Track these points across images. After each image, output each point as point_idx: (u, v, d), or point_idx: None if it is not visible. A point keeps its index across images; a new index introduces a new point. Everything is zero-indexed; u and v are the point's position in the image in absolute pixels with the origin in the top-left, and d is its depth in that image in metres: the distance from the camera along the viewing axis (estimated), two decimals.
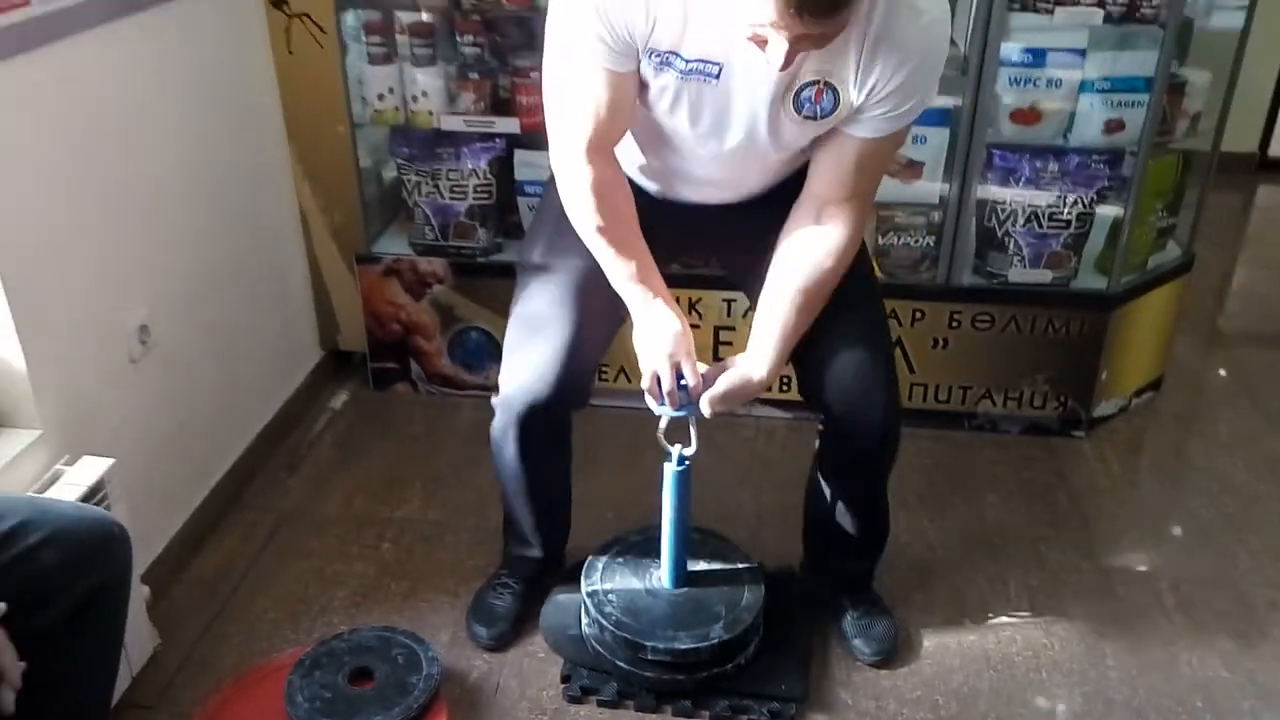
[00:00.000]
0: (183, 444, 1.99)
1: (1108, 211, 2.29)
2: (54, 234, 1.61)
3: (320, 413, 2.51)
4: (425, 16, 2.25)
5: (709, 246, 1.73)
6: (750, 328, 1.58)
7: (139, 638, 1.69)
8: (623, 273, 1.49)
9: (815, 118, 1.39)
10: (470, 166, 2.33)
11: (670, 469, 1.64)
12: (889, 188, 2.21)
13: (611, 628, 1.70)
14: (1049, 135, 2.19)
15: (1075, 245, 2.28)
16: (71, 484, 1.53)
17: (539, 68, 1.49)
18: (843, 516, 1.76)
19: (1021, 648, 1.85)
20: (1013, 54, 2.11)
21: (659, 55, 1.35)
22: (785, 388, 2.35)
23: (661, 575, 1.76)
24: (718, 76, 1.36)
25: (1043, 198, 2.22)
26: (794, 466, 1.80)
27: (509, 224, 2.44)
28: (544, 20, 1.43)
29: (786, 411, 2.42)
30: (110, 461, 1.58)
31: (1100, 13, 2.06)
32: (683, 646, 1.67)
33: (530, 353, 1.59)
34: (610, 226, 1.48)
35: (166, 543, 1.94)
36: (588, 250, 1.55)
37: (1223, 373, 2.79)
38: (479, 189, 2.35)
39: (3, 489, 1.42)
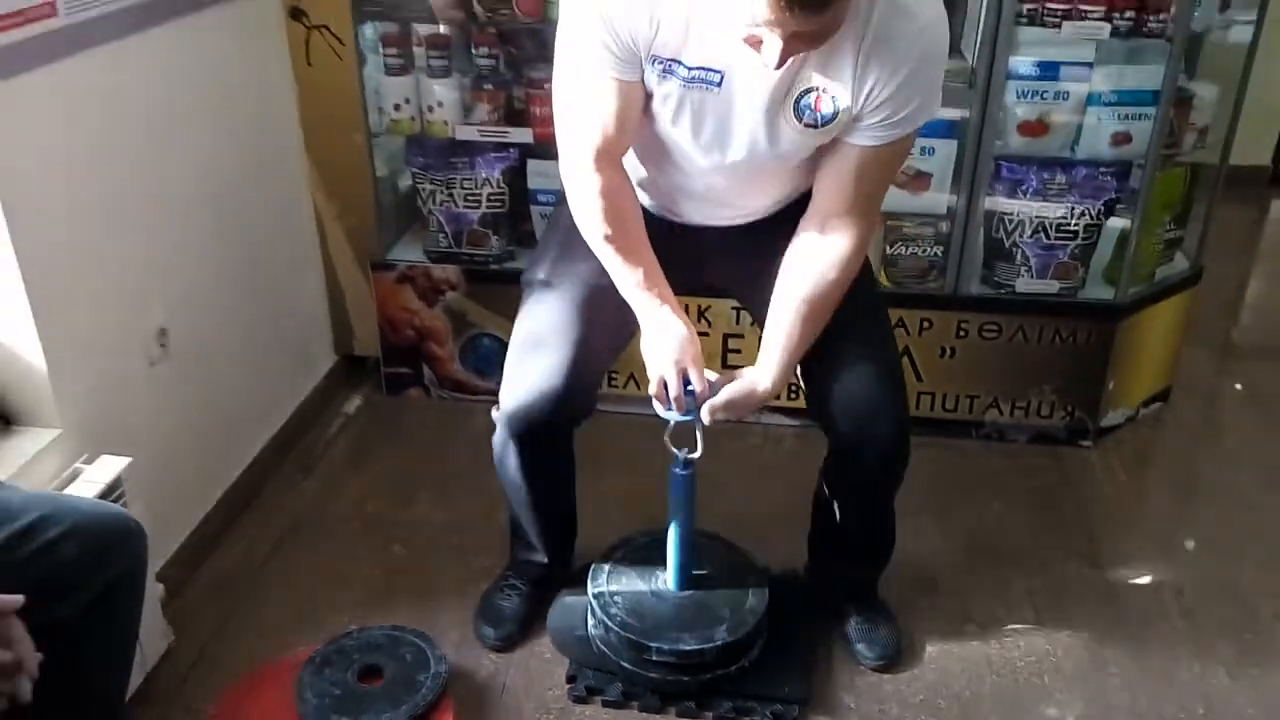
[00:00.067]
0: (199, 445, 2.03)
1: (1115, 223, 2.30)
2: (77, 238, 1.65)
3: (334, 416, 2.54)
4: (442, 29, 2.29)
5: (716, 273, 1.73)
6: (759, 339, 1.59)
7: (153, 635, 1.72)
8: (630, 280, 1.51)
9: (816, 125, 1.40)
10: (484, 176, 2.36)
11: (676, 472, 1.66)
12: (897, 198, 2.23)
13: (617, 629, 1.72)
14: (1056, 147, 2.21)
15: (1083, 256, 2.29)
16: (90, 482, 1.56)
17: (552, 79, 1.52)
18: (849, 529, 1.78)
19: (1024, 653, 1.86)
20: (1020, 67, 2.13)
21: (662, 63, 1.37)
22: (794, 395, 2.37)
23: (667, 577, 1.79)
24: (719, 85, 1.37)
25: (1050, 209, 2.23)
26: (801, 473, 1.82)
27: (521, 232, 2.48)
28: (556, 32, 1.45)
29: (794, 419, 2.44)
30: (127, 460, 1.62)
31: (1107, 27, 2.08)
32: (687, 648, 1.69)
33: (530, 370, 1.61)
34: (618, 234, 1.50)
35: (181, 542, 1.97)
36: (592, 270, 1.57)
37: (1239, 386, 2.78)
38: (492, 198, 2.39)
39: (24, 485, 1.46)
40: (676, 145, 1.49)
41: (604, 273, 1.55)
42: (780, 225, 1.58)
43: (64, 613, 1.24)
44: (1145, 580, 2.05)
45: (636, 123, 1.45)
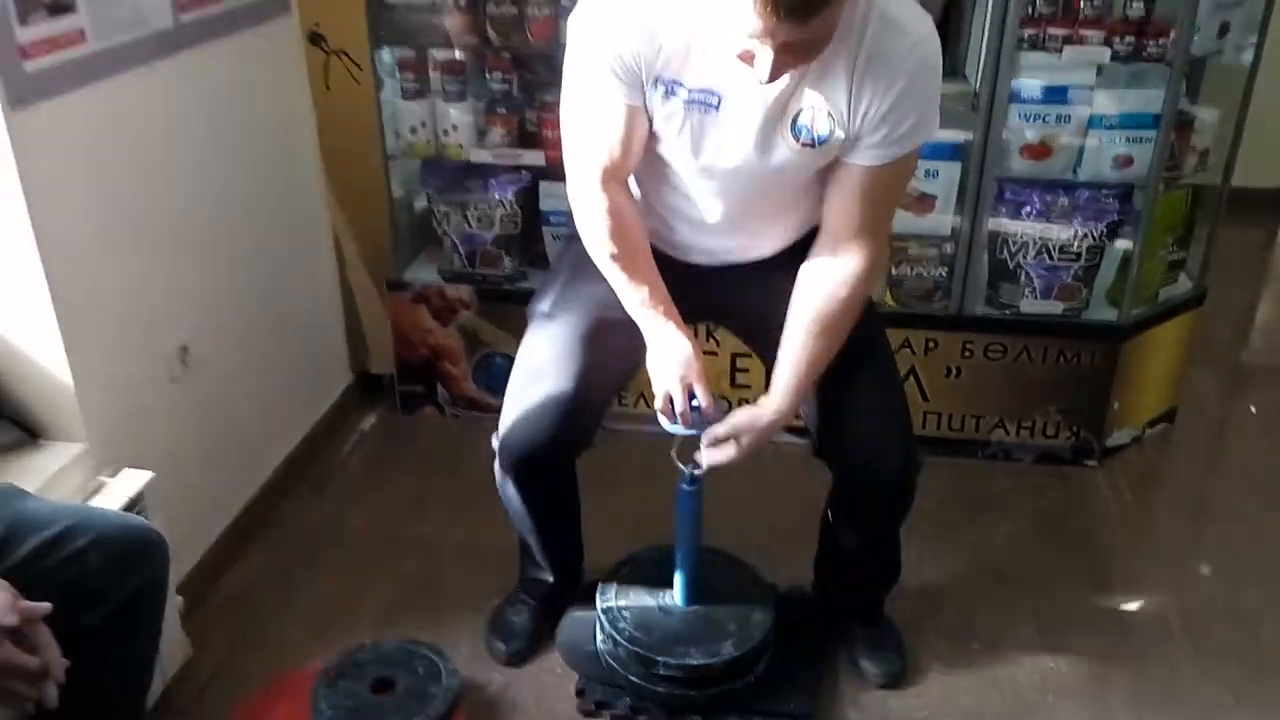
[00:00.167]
0: (218, 460, 2.07)
1: (1118, 245, 2.33)
2: (103, 259, 1.70)
3: (350, 433, 2.58)
4: (457, 54, 2.35)
5: (720, 314, 1.73)
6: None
7: (172, 647, 1.76)
8: (635, 298, 1.53)
9: (813, 145, 1.41)
10: (497, 197, 2.41)
11: (683, 488, 1.69)
12: (902, 220, 2.26)
13: (625, 643, 1.74)
14: (1059, 170, 2.24)
15: (1086, 277, 2.32)
16: (113, 495, 1.61)
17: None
18: (855, 556, 1.80)
19: (1029, 672, 1.88)
20: (1022, 90, 2.17)
21: (664, 83, 1.40)
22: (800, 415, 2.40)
23: (674, 593, 1.81)
24: (717, 107, 1.40)
25: (1053, 230, 2.26)
26: (808, 491, 1.84)
27: (533, 253, 2.52)
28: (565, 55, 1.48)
29: (802, 437, 2.45)
30: (150, 475, 1.66)
31: (1107, 51, 2.11)
32: (694, 662, 1.71)
33: (528, 403, 1.63)
34: (624, 253, 1.52)
35: (200, 556, 2.01)
36: (597, 302, 1.59)
37: (1253, 409, 2.79)
38: (505, 219, 2.43)
39: (51, 497, 1.50)
40: (678, 168, 1.50)
41: (608, 305, 1.57)
42: (784, 267, 1.59)
43: (88, 622, 1.27)
44: (1150, 600, 2.06)
45: (641, 144, 1.48)
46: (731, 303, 1.69)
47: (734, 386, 2.44)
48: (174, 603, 1.74)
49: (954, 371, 2.40)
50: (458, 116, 2.35)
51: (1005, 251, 2.32)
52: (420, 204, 2.59)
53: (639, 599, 1.82)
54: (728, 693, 1.74)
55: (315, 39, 2.30)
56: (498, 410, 1.71)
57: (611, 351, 1.62)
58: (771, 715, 1.74)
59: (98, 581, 1.29)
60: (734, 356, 2.42)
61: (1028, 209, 2.27)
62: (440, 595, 2.04)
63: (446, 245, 2.49)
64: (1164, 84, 2.14)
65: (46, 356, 1.61)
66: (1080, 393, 2.39)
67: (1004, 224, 2.30)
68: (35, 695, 1.15)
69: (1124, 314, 2.35)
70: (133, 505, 1.60)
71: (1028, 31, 2.13)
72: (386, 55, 2.37)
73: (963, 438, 2.46)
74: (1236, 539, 2.25)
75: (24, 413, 1.66)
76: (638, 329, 1.56)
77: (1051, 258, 2.28)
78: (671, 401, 1.55)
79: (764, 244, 1.62)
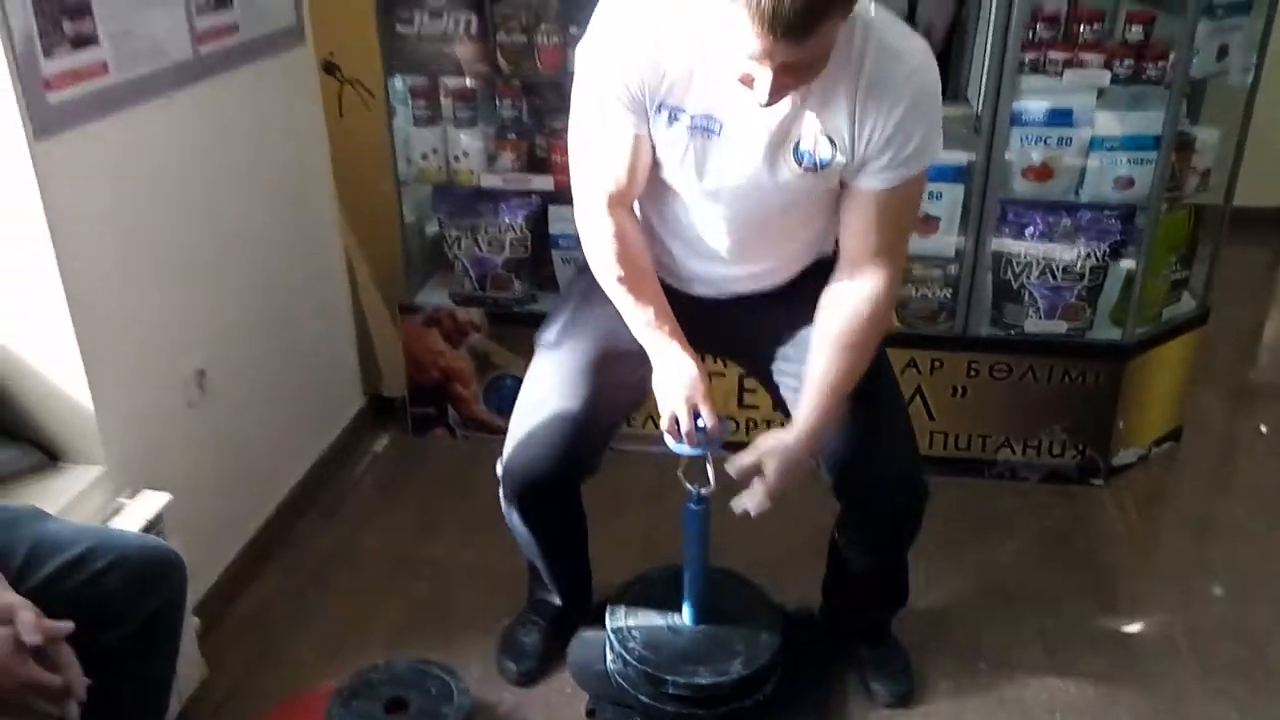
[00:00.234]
0: (233, 483, 2.10)
1: (1121, 264, 2.35)
2: (123, 285, 1.74)
3: (362, 456, 2.61)
4: (468, 82, 2.39)
5: (723, 344, 1.75)
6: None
7: (188, 668, 1.78)
8: (641, 319, 1.55)
9: (815, 169, 1.44)
10: (507, 222, 2.45)
11: (691, 507, 1.71)
12: None
13: (634, 662, 1.76)
14: (1061, 191, 2.26)
15: (1090, 297, 2.34)
16: (132, 517, 1.64)
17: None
18: (862, 579, 1.81)
19: (1036, 692, 1.89)
20: (1024, 114, 2.20)
21: (668, 109, 1.43)
22: None
23: (683, 612, 1.83)
24: (719, 133, 1.43)
25: (1057, 251, 2.29)
26: (817, 512, 1.84)
27: (543, 276, 2.56)
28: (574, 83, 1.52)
29: (810, 459, 2.48)
30: (168, 497, 1.70)
31: (1107, 74, 2.14)
32: (703, 682, 1.73)
33: (531, 429, 1.64)
34: (629, 275, 1.54)
35: (217, 577, 2.04)
36: (603, 333, 1.62)
37: (1263, 429, 2.80)
38: (515, 243, 2.47)
39: (71, 519, 1.53)
40: (683, 193, 1.53)
41: (614, 336, 1.59)
42: (788, 299, 1.62)
43: (108, 642, 1.30)
44: (1156, 619, 2.07)
45: (646, 170, 1.51)
46: (735, 335, 1.70)
47: (741, 407, 2.46)
48: (190, 624, 1.77)
49: (960, 391, 2.42)
50: (468, 142, 2.40)
51: (1009, 272, 2.34)
52: (431, 229, 2.63)
53: (648, 619, 1.84)
54: (736, 712, 1.75)
55: (329, 68, 2.35)
56: (507, 432, 1.73)
57: (616, 381, 1.64)
58: None
59: (118, 602, 1.31)
60: (741, 377, 2.45)
61: (1031, 230, 2.29)
62: (451, 616, 2.06)
63: (457, 269, 2.53)
64: (1164, 106, 2.17)
65: (68, 381, 1.65)
66: (1085, 412, 2.41)
67: (1007, 245, 2.32)
68: (58, 713, 1.17)
69: (1128, 333, 2.37)
70: (151, 527, 1.63)
71: (1028, 55, 2.16)
72: (399, 83, 2.42)
73: (969, 457, 2.48)
74: (1243, 558, 2.26)
75: (45, 436, 1.69)
76: (643, 360, 1.58)
77: (1055, 278, 2.31)
78: (677, 422, 1.57)
79: (767, 273, 1.64)
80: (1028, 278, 2.32)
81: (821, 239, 1.64)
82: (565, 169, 2.35)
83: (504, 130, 2.41)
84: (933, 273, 2.34)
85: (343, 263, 2.55)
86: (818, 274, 1.61)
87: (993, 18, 2.15)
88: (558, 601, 1.93)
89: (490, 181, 2.42)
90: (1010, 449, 2.47)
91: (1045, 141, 2.22)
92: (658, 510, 2.23)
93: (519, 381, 1.74)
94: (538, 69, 2.31)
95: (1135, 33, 2.17)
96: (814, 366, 1.54)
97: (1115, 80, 2.16)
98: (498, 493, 1.75)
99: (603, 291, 1.58)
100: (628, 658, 1.77)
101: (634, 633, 1.81)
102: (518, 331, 2.46)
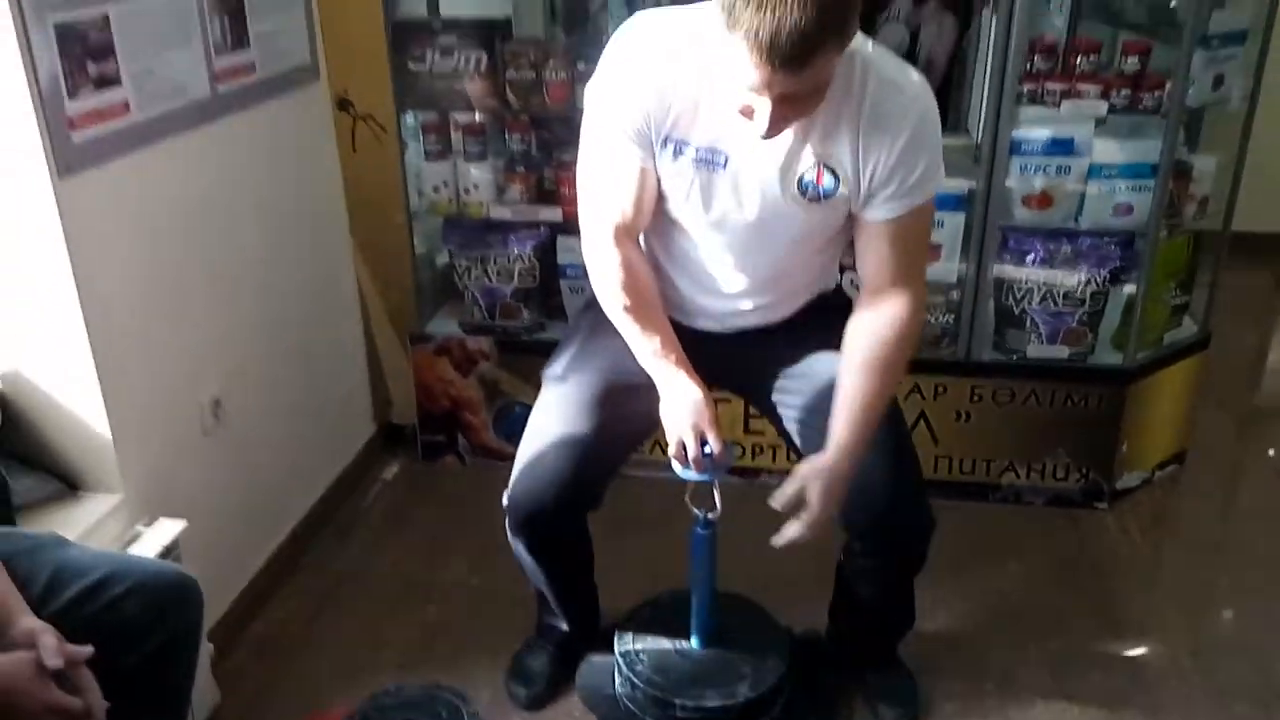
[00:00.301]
0: (247, 510, 2.13)
1: (1122, 290, 2.37)
2: (141, 317, 1.78)
3: (373, 483, 2.65)
4: (478, 117, 2.45)
5: (727, 379, 1.76)
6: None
7: (202, 693, 1.80)
8: (648, 348, 1.58)
9: (819, 199, 1.48)
10: (516, 252, 2.49)
11: (698, 532, 1.73)
12: None
13: (643, 685, 1.78)
14: (1060, 218, 2.30)
15: (1091, 322, 2.36)
16: (149, 543, 1.68)
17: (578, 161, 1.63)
18: (868, 605, 1.82)
19: (1042, 713, 1.90)
20: (1024, 143, 2.24)
21: (673, 142, 1.47)
22: None
23: (691, 635, 1.85)
24: (724, 166, 1.47)
25: (1058, 277, 2.31)
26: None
27: (551, 305, 2.59)
28: (583, 118, 1.56)
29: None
30: (183, 524, 1.73)
31: (1104, 105, 2.18)
32: (711, 704, 1.74)
33: (536, 464, 1.66)
34: (636, 305, 1.58)
35: (230, 603, 2.07)
36: (610, 366, 1.65)
37: (1272, 453, 2.80)
38: (524, 273, 2.51)
39: (90, 546, 1.56)
40: (689, 225, 1.56)
41: (621, 370, 1.62)
42: (791, 333, 1.64)
43: (126, 665, 1.32)
44: (1162, 641, 2.08)
45: (652, 202, 1.55)
46: (738, 368, 1.73)
47: (747, 433, 2.49)
48: (204, 649, 1.79)
49: (963, 416, 2.44)
50: (478, 175, 2.45)
51: (1011, 298, 2.37)
52: (442, 260, 2.67)
53: (656, 643, 1.86)
54: None
55: (343, 105, 2.41)
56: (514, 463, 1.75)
57: (622, 414, 1.66)
58: None
59: (136, 626, 1.34)
60: (747, 404, 2.47)
61: (1032, 256, 2.33)
62: (462, 640, 2.08)
63: (467, 299, 2.57)
64: (1162, 134, 2.20)
65: (87, 412, 1.69)
66: (1088, 436, 2.43)
67: (1009, 271, 2.35)
68: None
69: (1129, 358, 2.39)
70: (167, 553, 1.66)
71: (1027, 87, 2.20)
72: (410, 119, 2.47)
73: (974, 481, 2.50)
74: (1248, 580, 2.27)
75: (64, 465, 1.73)
76: (650, 394, 1.60)
77: (1056, 303, 2.34)
78: (684, 448, 1.59)
79: (770, 306, 1.67)
80: (1029, 303, 2.35)
81: (823, 274, 1.68)
82: (573, 201, 2.38)
83: (513, 163, 2.46)
84: (935, 299, 2.37)
85: (355, 294, 2.59)
86: (819, 309, 1.65)
87: (991, 50, 2.19)
88: (566, 627, 1.95)
89: (499, 213, 2.46)
90: (1015, 473, 2.48)
91: (1045, 170, 2.25)
92: (665, 535, 2.24)
93: (528, 409, 1.76)
94: (546, 104, 2.36)
95: (1131, 64, 2.21)
96: (843, 390, 1.55)
97: (1112, 110, 2.20)
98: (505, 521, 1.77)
99: (609, 326, 1.61)
100: (636, 681, 1.79)
101: (642, 656, 1.83)
102: (526, 360, 2.50)
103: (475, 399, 2.62)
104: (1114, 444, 2.43)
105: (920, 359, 2.38)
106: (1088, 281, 2.31)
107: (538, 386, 1.77)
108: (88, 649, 1.22)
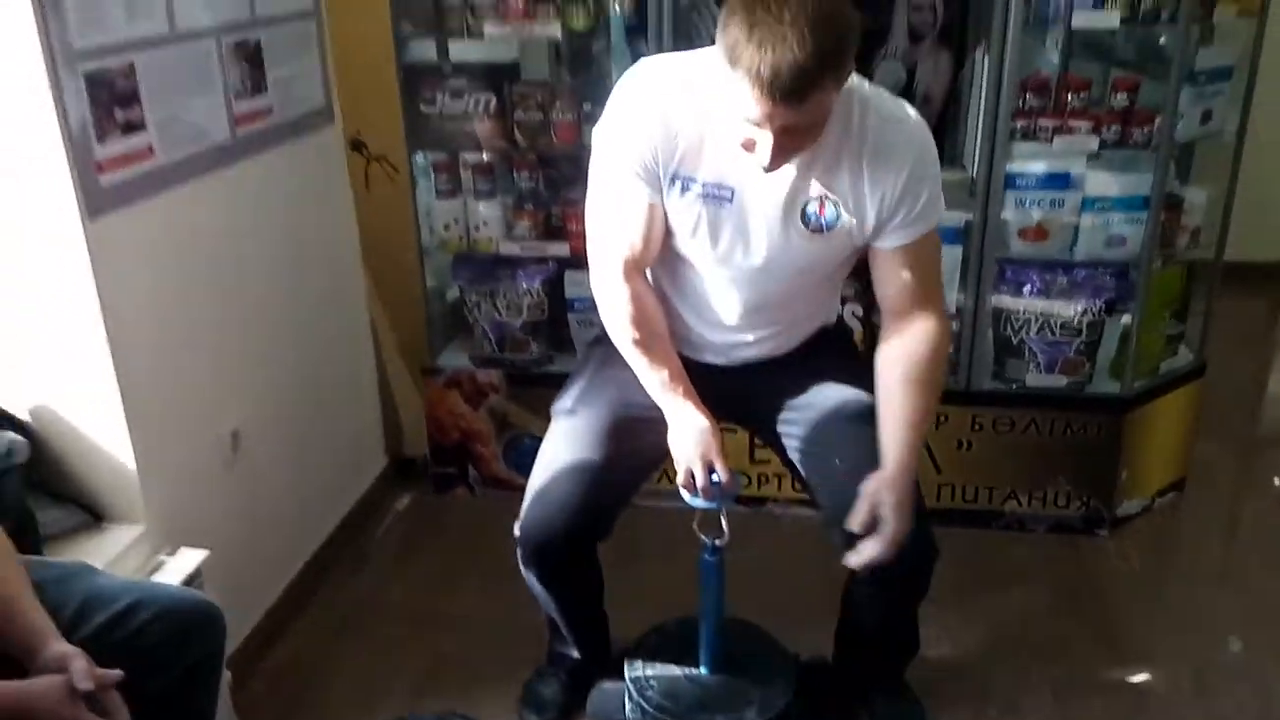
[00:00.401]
0: (264, 540, 2.17)
1: (1118, 319, 2.42)
2: (164, 353, 1.83)
3: (386, 514, 2.68)
4: (486, 157, 2.51)
5: (733, 411, 1.78)
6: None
7: None
8: (656, 380, 1.63)
9: (822, 231, 1.54)
10: (525, 287, 2.55)
11: (706, 558, 1.77)
12: None
13: (653, 711, 1.81)
14: (1056, 250, 2.35)
15: (1088, 352, 2.40)
16: (172, 572, 1.72)
17: (586, 198, 1.68)
18: (873, 632, 1.85)
19: None
20: (1018, 177, 2.30)
21: (680, 179, 1.53)
22: None
23: (699, 661, 1.88)
24: (731, 200, 1.53)
25: (1055, 307, 2.36)
26: (830, 562, 1.86)
27: (559, 338, 2.64)
28: (590, 157, 1.61)
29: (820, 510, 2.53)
30: (205, 553, 1.77)
31: (1095, 140, 2.24)
32: None
33: (546, 496, 1.69)
34: (644, 337, 1.62)
35: (248, 632, 2.10)
36: (619, 400, 1.69)
37: (1277, 481, 2.83)
38: (532, 307, 2.56)
39: (115, 574, 1.60)
40: (696, 260, 1.61)
41: (630, 404, 1.67)
42: (795, 365, 1.69)
43: (152, 689, 1.36)
44: (1164, 667, 2.10)
45: (660, 237, 1.60)
46: (743, 400, 1.76)
47: (753, 463, 2.53)
48: (224, 678, 1.82)
49: (965, 444, 2.48)
50: (487, 213, 2.51)
51: (1009, 328, 2.42)
52: (452, 294, 2.72)
53: (665, 669, 1.89)
54: None
55: (357, 146, 2.48)
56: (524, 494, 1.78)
57: (631, 446, 1.70)
58: None
59: (162, 652, 1.38)
60: (752, 433, 2.51)
61: (1028, 287, 2.37)
62: (474, 668, 2.11)
63: (477, 333, 2.62)
64: (1151, 169, 2.26)
65: (113, 445, 1.74)
66: (1088, 464, 2.46)
67: (1006, 302, 2.40)
68: None
69: (1126, 386, 2.43)
70: (190, 581, 1.71)
71: (1020, 123, 2.26)
72: (421, 159, 2.53)
73: (976, 509, 2.53)
74: (1249, 606, 2.29)
75: (89, 497, 1.78)
76: (658, 426, 1.64)
77: (1054, 333, 2.38)
78: (693, 476, 1.63)
79: (774, 338, 1.72)
80: (1027, 333, 2.40)
81: (825, 307, 1.74)
82: (580, 236, 2.45)
83: (521, 201, 2.52)
84: None
85: (368, 329, 2.65)
86: (821, 341, 1.70)
87: (985, 87, 2.26)
88: (576, 654, 1.98)
89: (508, 249, 2.52)
90: (1016, 500, 2.52)
91: (1040, 203, 2.31)
92: (673, 563, 2.27)
93: (537, 440, 1.80)
94: (553, 143, 2.43)
95: (1121, 100, 2.27)
96: (887, 410, 1.58)
97: (1104, 145, 2.25)
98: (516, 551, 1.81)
99: (617, 359, 1.66)
100: (646, 707, 1.82)
101: (652, 682, 1.86)
102: (535, 392, 2.54)
103: (485, 431, 2.67)
104: (1114, 471, 2.46)
105: None
106: (1084, 312, 2.35)
107: (547, 418, 1.80)
108: (118, 673, 1.25)
